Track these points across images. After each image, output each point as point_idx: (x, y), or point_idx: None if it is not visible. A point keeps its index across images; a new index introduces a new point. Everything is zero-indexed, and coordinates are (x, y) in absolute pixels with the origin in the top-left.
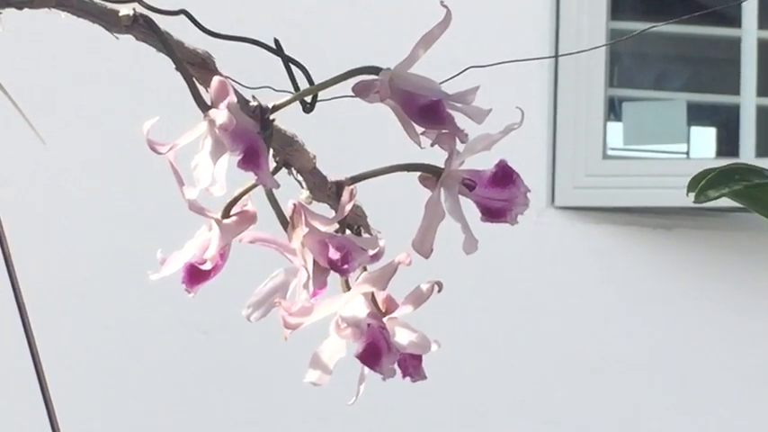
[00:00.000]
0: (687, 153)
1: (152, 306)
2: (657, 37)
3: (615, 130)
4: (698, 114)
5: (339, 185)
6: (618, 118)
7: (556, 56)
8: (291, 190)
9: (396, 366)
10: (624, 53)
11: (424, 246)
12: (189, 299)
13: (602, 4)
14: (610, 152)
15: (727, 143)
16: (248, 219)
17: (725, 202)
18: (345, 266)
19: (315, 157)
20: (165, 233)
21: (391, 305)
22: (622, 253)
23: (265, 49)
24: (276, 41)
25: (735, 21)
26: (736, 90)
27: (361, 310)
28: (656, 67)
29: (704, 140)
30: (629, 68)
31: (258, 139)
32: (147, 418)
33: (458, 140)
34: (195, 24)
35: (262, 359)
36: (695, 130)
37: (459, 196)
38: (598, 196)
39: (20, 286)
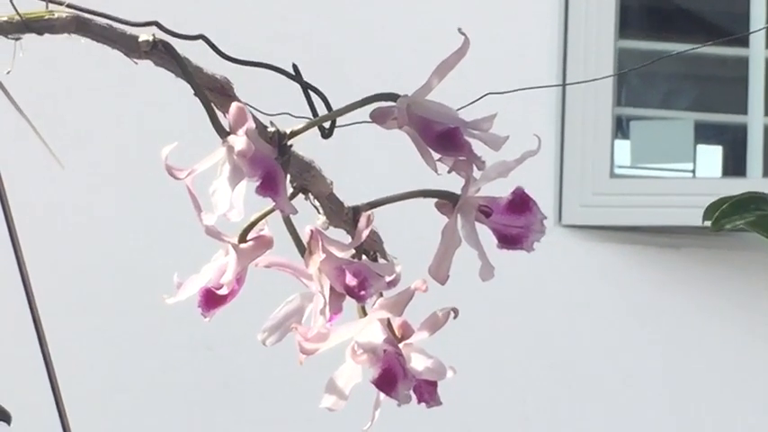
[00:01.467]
0: (693, 172)
1: (157, 321)
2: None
3: (623, 148)
4: (705, 133)
5: (356, 211)
6: (625, 137)
7: (563, 84)
8: (308, 215)
9: (411, 392)
10: (632, 72)
11: (440, 272)
12: (194, 314)
13: (610, 23)
14: (617, 171)
15: (734, 162)
16: (265, 244)
17: None
18: (362, 292)
19: (332, 182)
20: (172, 250)
21: (407, 331)
22: (629, 272)
23: (283, 74)
24: (294, 67)
25: (743, 40)
26: (743, 109)
27: (377, 335)
28: (663, 87)
29: (711, 159)
30: (637, 87)
31: (276, 166)
32: None
33: (474, 167)
34: (214, 49)
35: (267, 374)
36: (702, 148)
37: (476, 223)
38: (605, 215)
39: (36, 304)
